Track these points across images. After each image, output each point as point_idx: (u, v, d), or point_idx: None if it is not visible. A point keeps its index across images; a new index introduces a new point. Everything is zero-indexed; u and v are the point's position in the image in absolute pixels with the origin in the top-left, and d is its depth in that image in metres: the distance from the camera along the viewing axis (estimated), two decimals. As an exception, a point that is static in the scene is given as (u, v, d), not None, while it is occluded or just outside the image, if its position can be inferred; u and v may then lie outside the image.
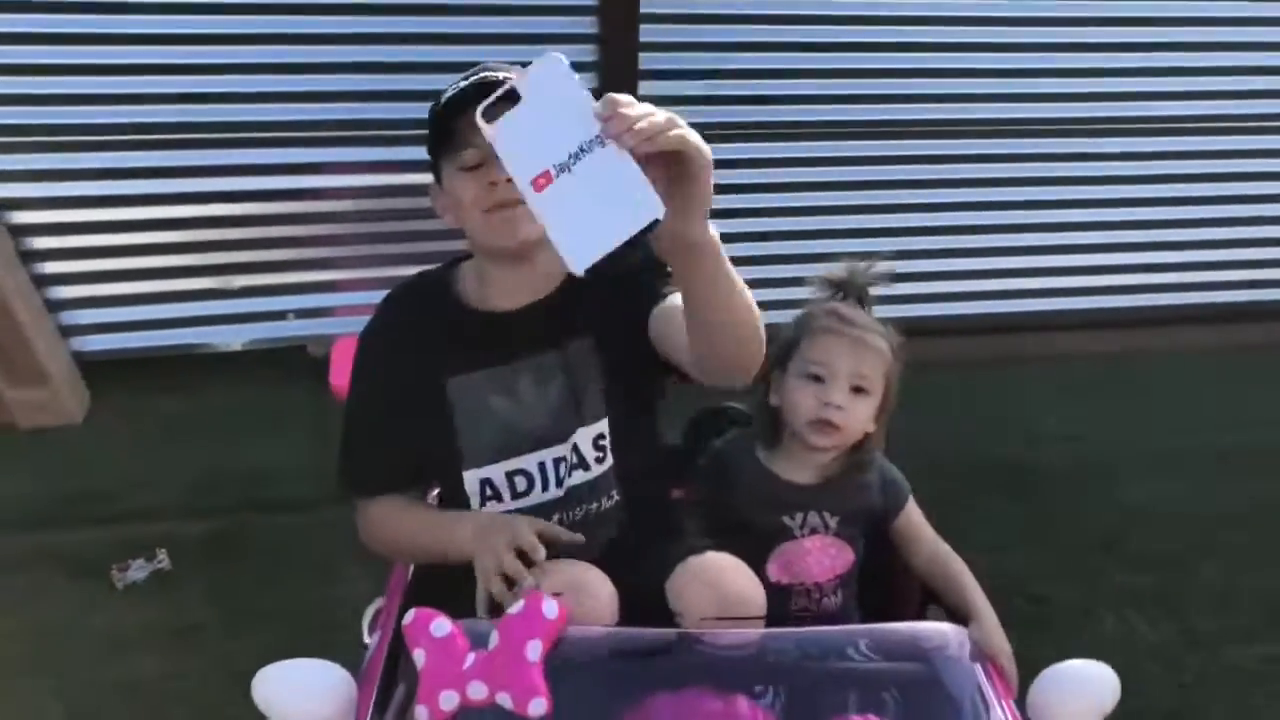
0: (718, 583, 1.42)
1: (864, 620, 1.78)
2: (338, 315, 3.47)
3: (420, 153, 3.51)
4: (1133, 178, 3.79)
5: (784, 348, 1.72)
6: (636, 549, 1.56)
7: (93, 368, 3.29)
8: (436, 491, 1.75)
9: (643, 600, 1.42)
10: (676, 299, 1.46)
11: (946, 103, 3.55)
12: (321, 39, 3.14)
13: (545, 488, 1.59)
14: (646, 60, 3.29)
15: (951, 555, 1.72)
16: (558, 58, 1.01)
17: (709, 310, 1.24)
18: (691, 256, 1.14)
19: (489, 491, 1.58)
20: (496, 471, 1.58)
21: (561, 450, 1.57)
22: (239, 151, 3.21)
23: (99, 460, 2.99)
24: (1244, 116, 3.77)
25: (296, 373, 3.39)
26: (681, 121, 1.03)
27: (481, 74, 1.46)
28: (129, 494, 2.82)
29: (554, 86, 1.01)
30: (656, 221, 0.99)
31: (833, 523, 1.73)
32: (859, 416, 1.67)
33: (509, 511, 1.58)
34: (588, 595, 1.38)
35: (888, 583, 1.80)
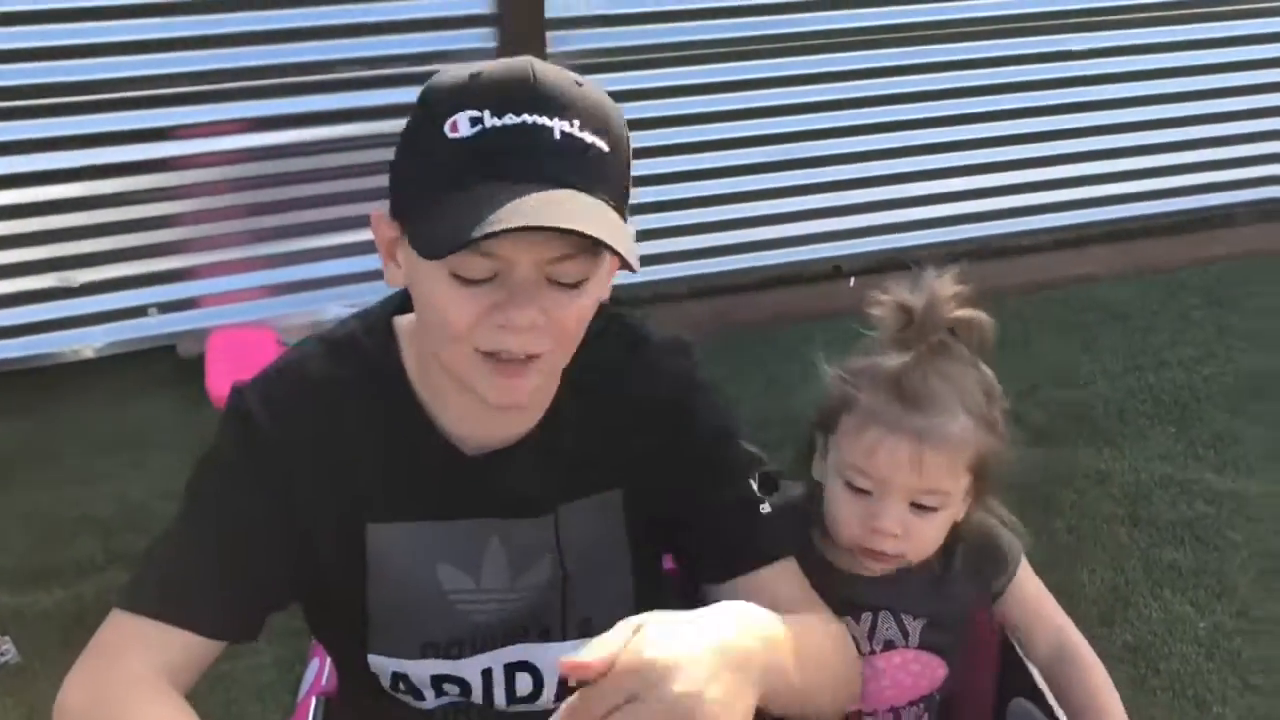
0: None
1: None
2: (205, 306, 3.01)
3: (298, 104, 2.96)
4: (1096, 77, 3.47)
5: (825, 413, 1.22)
6: None
7: (-95, 396, 2.75)
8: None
9: None
10: (764, 582, 1.06)
11: (890, 4, 3.18)
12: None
13: (488, 699, 1.09)
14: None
15: (1083, 650, 1.29)
16: None
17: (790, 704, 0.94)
18: None
19: (403, 687, 1.09)
20: (418, 669, 1.07)
21: (520, 654, 1.08)
22: (69, 119, 2.72)
23: (-82, 516, 2.45)
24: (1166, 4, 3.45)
25: (166, 380, 2.91)
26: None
27: (529, 117, 0.89)
28: (-46, 559, 2.30)
29: None
30: None
31: (915, 628, 1.28)
32: (924, 538, 1.21)
33: (428, 711, 1.09)
34: None
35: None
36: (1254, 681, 1.99)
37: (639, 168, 3.27)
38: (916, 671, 1.27)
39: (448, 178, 0.90)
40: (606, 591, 1.08)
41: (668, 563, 1.25)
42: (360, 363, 1.05)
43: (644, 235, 3.17)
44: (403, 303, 1.07)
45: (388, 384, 1.04)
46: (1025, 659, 1.32)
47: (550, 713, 1.05)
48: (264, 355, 3.34)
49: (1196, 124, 3.63)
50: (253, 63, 2.78)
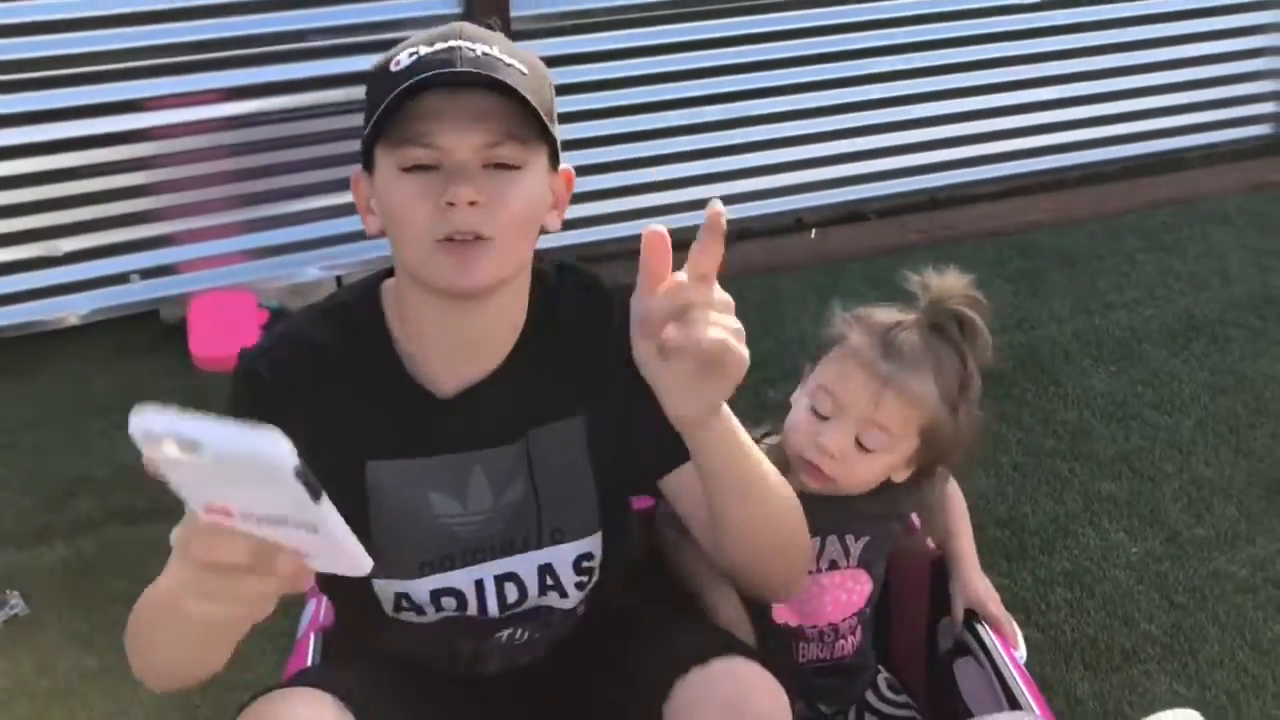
0: (739, 706, 1.09)
1: (880, 661, 1.54)
2: (186, 271, 3.07)
3: (270, 73, 3.04)
4: (1045, 29, 3.57)
5: (821, 345, 1.39)
6: (604, 647, 1.24)
7: (-101, 365, 2.81)
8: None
9: None
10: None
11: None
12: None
13: (482, 609, 1.23)
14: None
15: (954, 490, 1.52)
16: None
17: (729, 502, 1.12)
18: (696, 434, 1.06)
19: (405, 604, 1.22)
20: (417, 588, 1.21)
21: (506, 566, 1.22)
22: (51, 93, 2.76)
23: (-80, 479, 2.53)
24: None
25: (150, 344, 3.01)
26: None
27: (452, 41, 1.09)
28: (-42, 521, 2.39)
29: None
30: None
31: (856, 549, 1.43)
32: (858, 473, 1.35)
33: (430, 624, 1.23)
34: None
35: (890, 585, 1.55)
36: (1178, 600, 2.14)
37: (606, 126, 3.39)
38: (852, 588, 1.43)
39: (387, 93, 1.07)
40: (573, 506, 1.22)
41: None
42: (347, 325, 1.20)
43: (610, 193, 3.26)
44: (388, 273, 1.22)
45: (371, 340, 1.19)
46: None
47: (525, 614, 1.22)
48: (244, 318, 3.44)
49: (1141, 72, 3.73)
50: (224, 34, 2.82)
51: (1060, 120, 3.70)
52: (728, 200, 3.61)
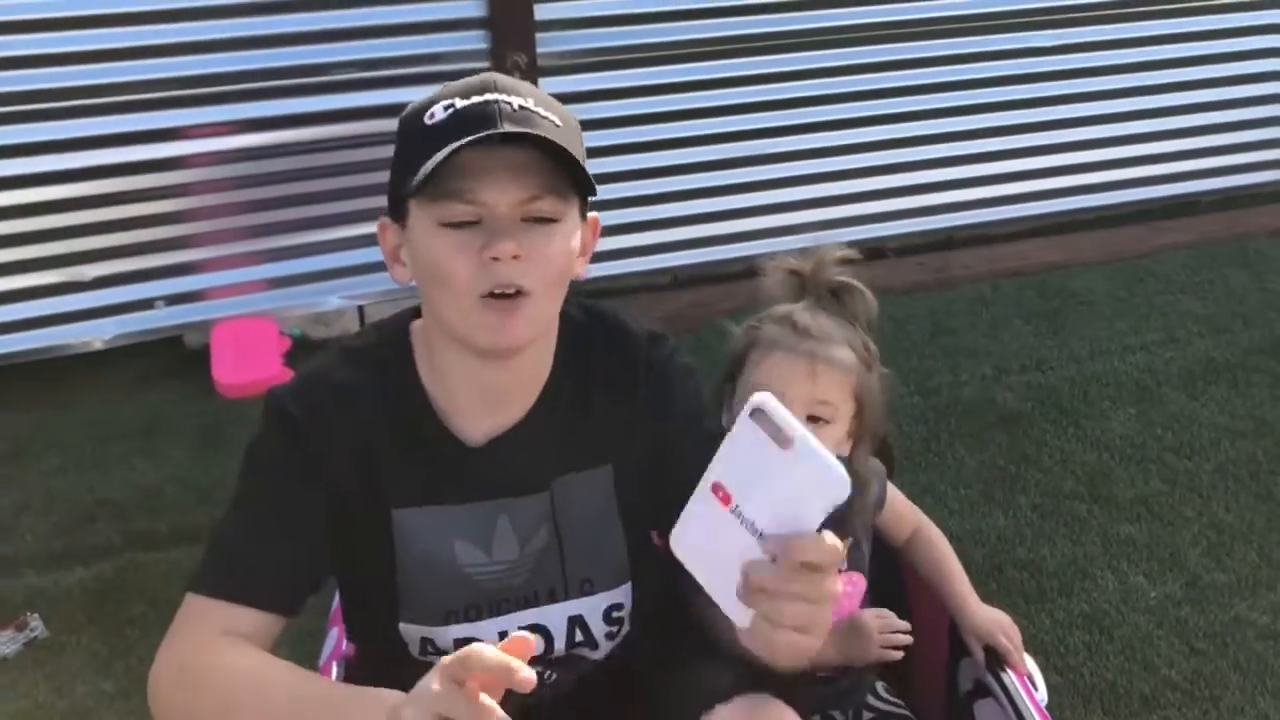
0: None
1: (901, 698, 1.57)
2: (211, 298, 3.10)
3: (297, 105, 3.08)
4: (1067, 72, 3.60)
5: (733, 361, 1.45)
6: (626, 682, 1.24)
7: (-75, 387, 2.84)
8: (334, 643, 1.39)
9: None
10: None
11: (865, 4, 3.31)
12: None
13: None
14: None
15: (934, 535, 1.63)
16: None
17: None
18: None
19: (430, 649, 1.22)
20: (442, 635, 1.20)
21: (534, 618, 1.21)
22: (81, 121, 2.80)
23: (-59, 501, 2.55)
24: None
25: (173, 369, 3.03)
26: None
27: (488, 94, 1.08)
28: (-21, 543, 2.41)
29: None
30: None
31: (843, 549, 1.46)
32: None
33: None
34: None
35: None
36: (1199, 646, 2.12)
37: (628, 162, 3.41)
38: (850, 592, 1.45)
39: (428, 146, 1.07)
40: (601, 556, 1.21)
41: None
42: (376, 368, 1.19)
43: (629, 228, 3.29)
44: (415, 314, 1.22)
45: (401, 385, 1.18)
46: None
47: (557, 660, 1.21)
48: (266, 345, 3.46)
49: (1159, 116, 3.76)
50: (253, 66, 2.87)
51: (1080, 162, 3.72)
52: (744, 237, 3.71)
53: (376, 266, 3.03)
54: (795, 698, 1.16)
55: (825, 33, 3.33)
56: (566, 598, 1.21)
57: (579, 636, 1.23)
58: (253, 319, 3.04)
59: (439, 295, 1.11)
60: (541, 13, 3.03)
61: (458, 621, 1.19)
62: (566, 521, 1.20)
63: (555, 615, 1.22)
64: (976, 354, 3.08)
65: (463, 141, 1.04)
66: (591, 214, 1.19)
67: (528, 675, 0.82)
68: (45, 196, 2.85)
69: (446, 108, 1.09)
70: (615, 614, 1.23)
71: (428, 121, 1.09)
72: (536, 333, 1.13)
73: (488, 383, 1.16)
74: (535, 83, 3.10)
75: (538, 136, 1.05)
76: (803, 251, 1.49)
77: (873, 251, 3.61)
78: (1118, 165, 3.77)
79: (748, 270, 3.48)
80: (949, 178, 3.60)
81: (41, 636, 2.15)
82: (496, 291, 1.07)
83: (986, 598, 1.63)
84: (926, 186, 3.59)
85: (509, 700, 1.24)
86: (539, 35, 3.03)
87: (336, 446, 1.16)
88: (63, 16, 2.72)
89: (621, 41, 3.15)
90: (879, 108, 3.44)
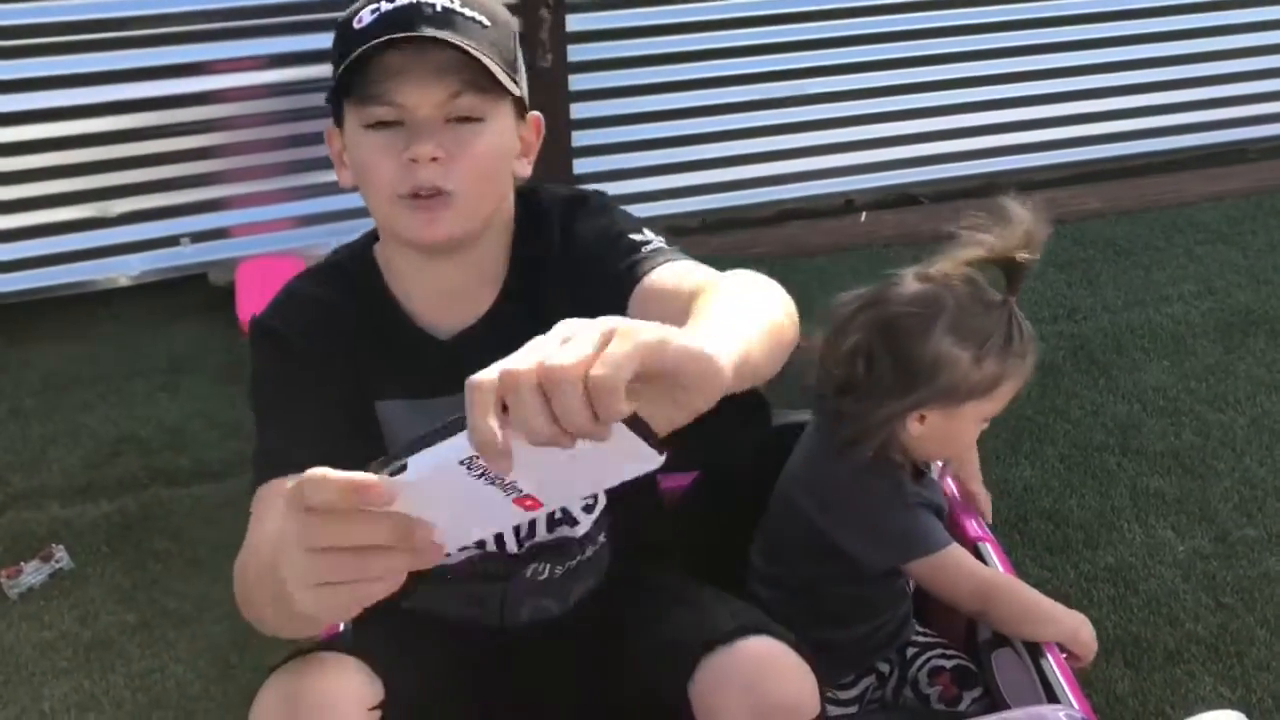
0: (761, 687, 1.09)
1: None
2: (236, 236, 3.10)
3: (323, 40, 3.04)
4: (1104, 14, 3.49)
5: (975, 378, 1.41)
6: (631, 616, 1.23)
7: (-48, 321, 2.86)
8: None
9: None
10: (660, 275, 1.10)
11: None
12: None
13: (500, 543, 1.25)
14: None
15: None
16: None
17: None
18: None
19: None
20: None
21: None
22: (108, 55, 2.78)
23: (-32, 434, 2.57)
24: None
25: (198, 306, 3.03)
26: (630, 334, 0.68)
27: None
28: (9, 476, 2.43)
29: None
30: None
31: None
32: None
33: (456, 564, 1.25)
34: None
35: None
36: (1225, 601, 2.09)
37: (657, 102, 3.35)
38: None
39: (350, 50, 1.09)
40: None
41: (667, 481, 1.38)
42: (345, 281, 1.24)
43: (661, 170, 3.24)
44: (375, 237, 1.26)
45: (368, 291, 1.23)
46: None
47: (544, 546, 1.23)
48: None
49: (1208, 60, 3.65)
50: (281, 0, 2.84)
51: (1122, 108, 3.63)
52: (778, 180, 3.64)
53: (402, 206, 3.01)
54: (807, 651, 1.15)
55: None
56: None
57: (556, 514, 1.24)
58: (278, 257, 3.04)
59: (368, 195, 1.15)
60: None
61: None
62: None
63: None
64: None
65: (368, 45, 1.06)
66: (534, 113, 1.20)
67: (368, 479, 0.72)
68: (72, 131, 2.84)
69: (373, 11, 1.11)
70: None
71: (355, 26, 1.11)
72: (466, 230, 1.15)
73: (441, 279, 1.20)
74: (563, 20, 3.08)
75: (444, 40, 1.06)
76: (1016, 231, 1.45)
77: (906, 197, 3.56)
78: (1161, 111, 3.67)
79: (778, 214, 3.51)
80: (988, 122, 3.52)
81: (66, 568, 2.17)
82: (420, 193, 1.10)
83: (1010, 549, 1.61)
84: (964, 131, 3.51)
85: (510, 614, 1.25)
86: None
87: (318, 349, 1.20)
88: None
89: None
90: (915, 49, 3.36)
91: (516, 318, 1.20)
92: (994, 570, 1.54)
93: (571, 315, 1.07)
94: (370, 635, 1.22)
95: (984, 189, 3.61)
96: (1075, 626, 1.49)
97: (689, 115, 3.24)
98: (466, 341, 1.21)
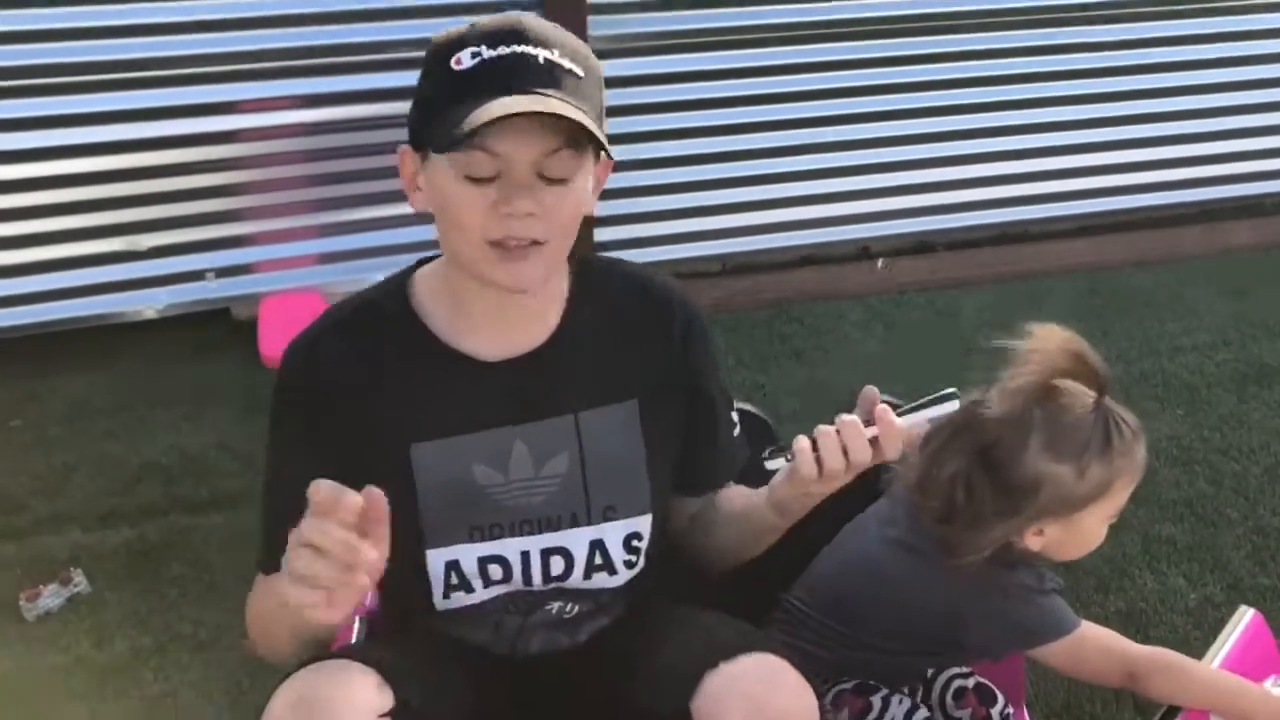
0: (763, 702, 1.10)
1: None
2: (261, 271, 3.15)
3: (351, 82, 3.10)
4: (1131, 67, 3.53)
5: (1082, 489, 1.39)
6: (638, 643, 1.25)
7: (-20, 348, 2.91)
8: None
9: None
10: (729, 497, 1.36)
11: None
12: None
13: (527, 580, 1.26)
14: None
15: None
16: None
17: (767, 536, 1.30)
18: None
19: (454, 579, 1.25)
20: (467, 554, 1.24)
21: (556, 541, 1.25)
22: (141, 93, 2.86)
23: (-8, 459, 2.62)
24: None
25: (221, 340, 3.07)
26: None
27: (517, 46, 1.10)
28: (31, 501, 2.46)
29: None
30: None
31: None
32: None
33: (479, 604, 1.27)
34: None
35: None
36: (1237, 649, 2.09)
37: (676, 147, 3.41)
38: None
39: (456, 96, 1.10)
40: (624, 486, 1.26)
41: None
42: (378, 317, 1.24)
43: (679, 214, 3.29)
44: (416, 267, 1.28)
45: (404, 325, 1.23)
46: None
47: (575, 591, 1.29)
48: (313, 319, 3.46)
49: (1222, 115, 3.68)
50: (310, 43, 2.90)
51: (1137, 160, 3.66)
52: (794, 226, 3.67)
53: (427, 244, 3.05)
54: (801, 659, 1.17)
55: (880, 22, 3.30)
56: (589, 523, 1.25)
57: (598, 560, 1.26)
58: (301, 293, 3.08)
59: (452, 234, 1.16)
60: (595, -5, 3.04)
61: (482, 539, 1.23)
62: (592, 450, 1.24)
63: (576, 539, 1.26)
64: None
65: (484, 121, 1.06)
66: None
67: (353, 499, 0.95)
68: (104, 166, 2.89)
69: (474, 55, 1.11)
70: (635, 543, 1.27)
71: (455, 67, 1.11)
72: (548, 275, 1.19)
73: (504, 314, 1.22)
74: (586, 66, 3.14)
75: (557, 110, 1.08)
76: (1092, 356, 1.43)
77: (923, 245, 3.59)
78: (1179, 164, 3.70)
79: (796, 260, 3.54)
80: (1003, 172, 3.55)
81: (84, 592, 2.20)
82: (510, 243, 1.12)
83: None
84: (980, 181, 3.54)
85: (523, 643, 1.28)
86: (591, 18, 3.04)
87: (348, 395, 1.21)
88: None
89: (673, 26, 3.15)
90: (934, 99, 3.40)
91: (572, 355, 1.25)
92: (1140, 647, 1.52)
93: (647, 397, 1.28)
94: (383, 646, 1.24)
95: (997, 239, 3.65)
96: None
97: (709, 161, 3.28)
98: (517, 369, 1.23)
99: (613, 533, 1.26)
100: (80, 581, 2.20)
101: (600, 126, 1.14)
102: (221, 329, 3.09)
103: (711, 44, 3.18)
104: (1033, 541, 1.42)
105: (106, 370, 2.94)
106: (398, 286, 1.26)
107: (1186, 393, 2.88)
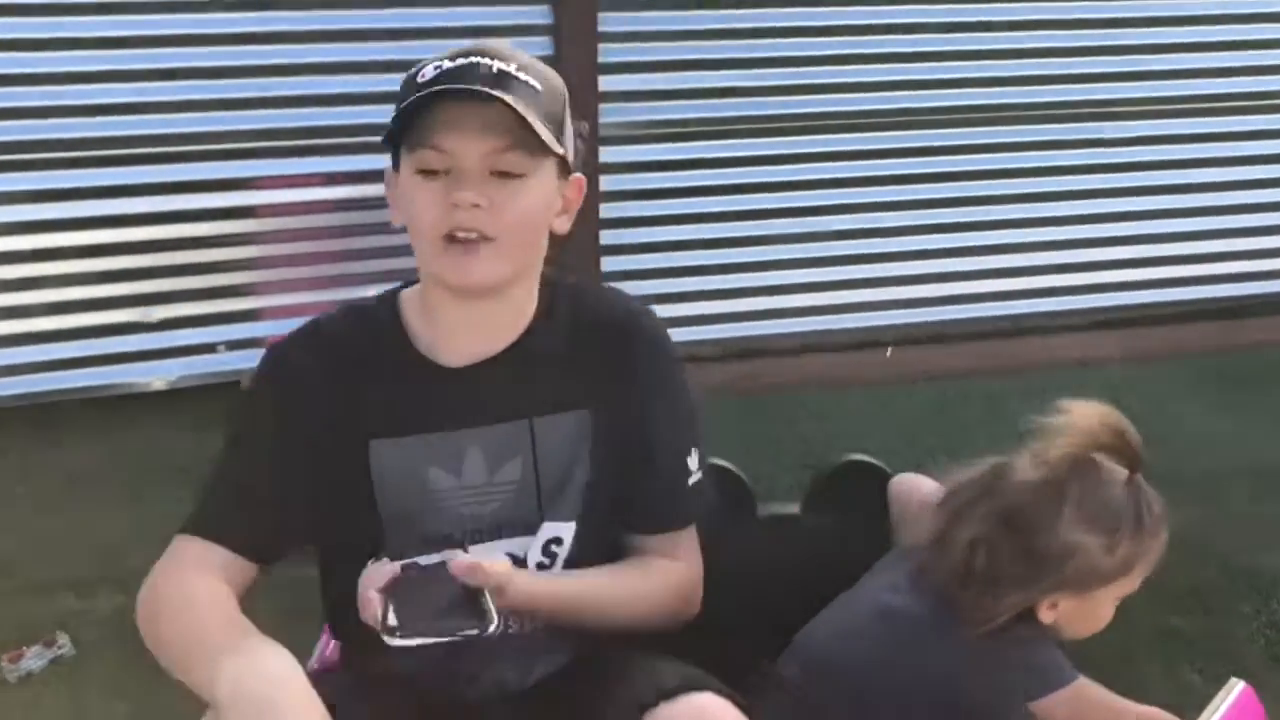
0: None
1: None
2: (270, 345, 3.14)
3: (367, 162, 3.19)
4: (1141, 164, 3.53)
5: (1109, 564, 1.41)
6: (583, 682, 1.26)
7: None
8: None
9: None
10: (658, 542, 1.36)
11: (934, 89, 3.31)
12: (247, 38, 2.86)
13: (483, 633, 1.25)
14: (607, 52, 3.05)
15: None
16: None
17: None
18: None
19: None
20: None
21: (510, 548, 1.29)
22: (154, 168, 2.90)
23: (-12, 526, 2.63)
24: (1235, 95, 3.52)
25: (229, 412, 3.07)
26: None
27: (474, 57, 1.21)
28: (23, 565, 2.46)
29: None
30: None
31: None
32: None
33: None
34: None
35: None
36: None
37: (679, 232, 3.42)
38: None
39: (414, 102, 1.21)
40: (564, 493, 1.29)
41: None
42: (365, 319, 1.33)
43: (679, 298, 3.29)
44: (407, 285, 1.37)
45: (386, 330, 1.31)
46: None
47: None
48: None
49: (1237, 213, 3.67)
50: (325, 122, 2.96)
51: (1150, 256, 3.63)
52: (795, 313, 3.68)
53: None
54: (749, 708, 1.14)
55: (896, 114, 3.33)
56: (542, 522, 1.30)
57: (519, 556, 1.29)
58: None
59: (413, 234, 1.24)
60: (606, 84, 3.09)
61: (437, 548, 1.26)
62: (545, 459, 1.28)
63: (524, 541, 1.30)
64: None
65: (423, 93, 1.17)
66: (576, 175, 1.29)
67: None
68: (117, 238, 2.93)
69: (436, 67, 1.23)
70: (553, 548, 1.29)
71: (418, 79, 1.24)
72: (501, 275, 1.23)
73: (470, 320, 1.28)
74: (596, 152, 3.19)
75: (494, 96, 1.16)
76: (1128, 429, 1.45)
77: (932, 335, 3.57)
78: (1196, 260, 3.67)
79: (798, 347, 3.53)
80: (1013, 264, 3.54)
81: (68, 655, 2.18)
82: (458, 235, 1.18)
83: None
84: (990, 272, 3.54)
85: (477, 683, 1.26)
86: (602, 106, 3.09)
87: (315, 389, 1.28)
88: (141, 69, 2.82)
89: (683, 115, 3.19)
90: (941, 190, 3.42)
91: (532, 363, 1.29)
92: (1137, 705, 1.54)
93: (601, 408, 1.30)
94: (330, 684, 1.22)
95: (1009, 331, 3.63)
96: None
97: (708, 246, 3.29)
98: (477, 374, 1.29)
99: (540, 534, 1.29)
100: (65, 644, 2.20)
101: (559, 139, 1.21)
102: (230, 401, 3.08)
103: (717, 133, 3.21)
104: (1046, 615, 1.40)
105: (109, 440, 2.97)
106: (393, 294, 1.35)
107: (1198, 488, 2.83)
